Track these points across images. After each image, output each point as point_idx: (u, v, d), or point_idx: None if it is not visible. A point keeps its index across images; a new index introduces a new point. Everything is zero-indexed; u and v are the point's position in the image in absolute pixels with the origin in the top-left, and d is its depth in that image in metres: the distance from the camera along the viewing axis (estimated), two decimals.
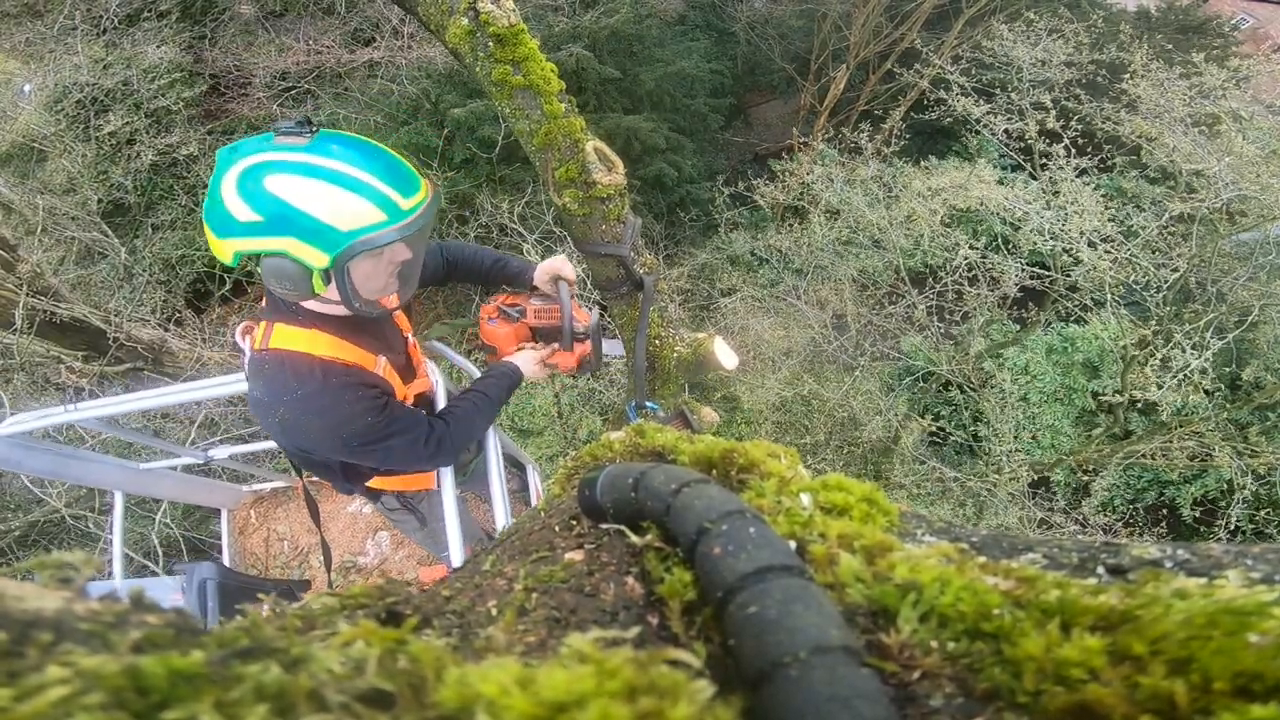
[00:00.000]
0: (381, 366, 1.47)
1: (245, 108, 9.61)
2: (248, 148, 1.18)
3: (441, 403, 1.78)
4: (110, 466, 2.31)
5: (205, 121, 9.45)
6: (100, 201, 8.09)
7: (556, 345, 1.78)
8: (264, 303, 1.44)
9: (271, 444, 2.75)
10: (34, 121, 8.36)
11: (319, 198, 1.16)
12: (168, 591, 2.29)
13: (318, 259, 1.19)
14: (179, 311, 7.19)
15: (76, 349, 4.23)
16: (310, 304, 1.36)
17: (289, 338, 1.34)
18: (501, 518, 1.72)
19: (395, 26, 9.86)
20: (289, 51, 9.71)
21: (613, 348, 1.96)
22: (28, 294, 3.83)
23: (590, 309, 1.79)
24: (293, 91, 9.63)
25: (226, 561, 2.81)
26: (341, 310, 1.36)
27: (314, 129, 1.20)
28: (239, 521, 2.97)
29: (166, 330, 5.65)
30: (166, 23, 9.41)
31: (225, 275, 7.77)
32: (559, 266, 1.69)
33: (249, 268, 1.28)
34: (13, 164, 8.43)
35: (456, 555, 1.61)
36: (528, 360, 1.76)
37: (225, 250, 1.21)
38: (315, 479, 2.85)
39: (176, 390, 1.94)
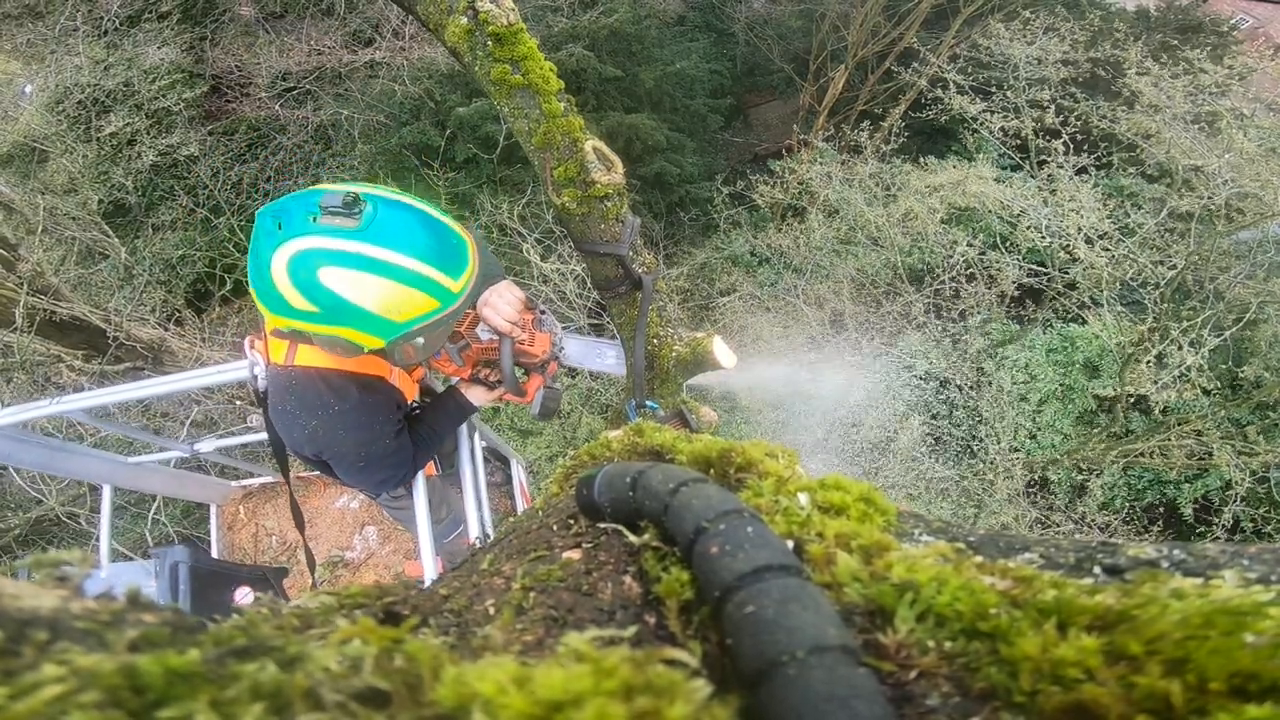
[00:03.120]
0: (397, 372, 1.54)
1: (246, 108, 9.61)
2: (294, 224, 1.13)
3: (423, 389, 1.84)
4: (100, 460, 2.34)
5: (206, 122, 9.45)
6: (101, 202, 8.10)
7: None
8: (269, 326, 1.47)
9: (258, 438, 2.77)
10: (35, 122, 8.37)
11: (375, 293, 1.14)
12: (143, 576, 2.30)
13: (372, 343, 1.22)
14: (179, 311, 7.20)
15: (77, 348, 4.23)
16: None
17: (317, 355, 1.39)
18: (473, 509, 1.75)
19: (395, 27, 9.86)
20: (290, 52, 9.71)
21: (603, 356, 1.91)
22: (28, 293, 3.83)
23: (551, 330, 1.66)
24: (294, 92, 9.64)
25: (215, 556, 2.82)
26: None
27: (360, 208, 1.14)
28: (227, 517, 2.99)
29: (166, 330, 5.66)
30: (167, 24, 9.41)
31: (225, 275, 7.78)
32: (489, 317, 1.52)
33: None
34: (14, 164, 8.44)
35: (426, 548, 1.67)
36: (480, 396, 1.78)
37: (278, 322, 1.22)
38: (303, 475, 2.88)
39: (161, 382, 1.95)
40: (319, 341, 1.23)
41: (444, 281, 1.21)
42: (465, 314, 1.70)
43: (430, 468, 1.98)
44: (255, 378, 1.50)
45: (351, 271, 1.13)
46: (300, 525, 1.96)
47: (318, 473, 2.64)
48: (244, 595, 2.33)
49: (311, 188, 1.19)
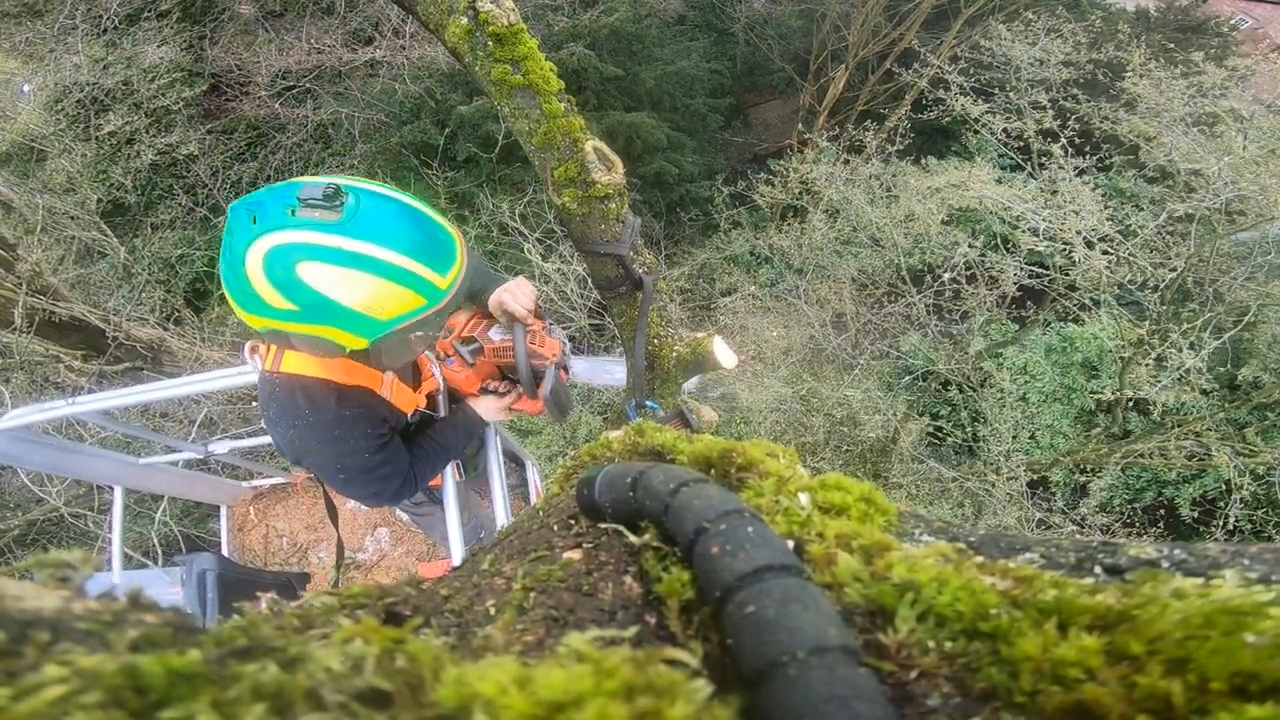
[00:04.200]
0: (388, 384, 1.48)
1: (246, 107, 9.61)
2: (270, 218, 1.06)
3: (443, 406, 1.80)
4: (110, 461, 2.32)
5: (205, 121, 9.45)
6: (100, 201, 8.10)
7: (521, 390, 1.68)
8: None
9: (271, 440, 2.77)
10: (34, 121, 8.37)
11: (357, 288, 1.08)
12: (166, 584, 2.29)
13: (355, 343, 1.16)
14: (178, 310, 7.20)
15: (76, 348, 4.22)
16: None
17: (301, 364, 1.35)
18: (501, 514, 1.74)
19: (395, 26, 9.86)
20: (289, 51, 9.71)
21: (610, 373, 1.90)
22: (27, 293, 3.83)
23: (559, 339, 1.66)
24: (293, 91, 9.63)
25: (225, 555, 2.81)
26: None
27: (342, 200, 1.08)
28: (238, 518, 2.97)
29: (165, 329, 5.65)
30: (167, 22, 9.41)
31: None
32: (506, 301, 1.52)
33: None
34: (13, 163, 8.44)
35: (457, 554, 1.64)
36: (491, 409, 1.73)
37: (255, 323, 1.16)
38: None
39: (176, 384, 1.95)
40: (299, 342, 1.18)
41: (431, 277, 1.14)
42: (476, 316, 1.69)
43: (455, 472, 1.97)
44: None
45: (333, 267, 1.06)
46: (334, 518, 1.95)
47: None
48: None
49: (289, 180, 1.13)
